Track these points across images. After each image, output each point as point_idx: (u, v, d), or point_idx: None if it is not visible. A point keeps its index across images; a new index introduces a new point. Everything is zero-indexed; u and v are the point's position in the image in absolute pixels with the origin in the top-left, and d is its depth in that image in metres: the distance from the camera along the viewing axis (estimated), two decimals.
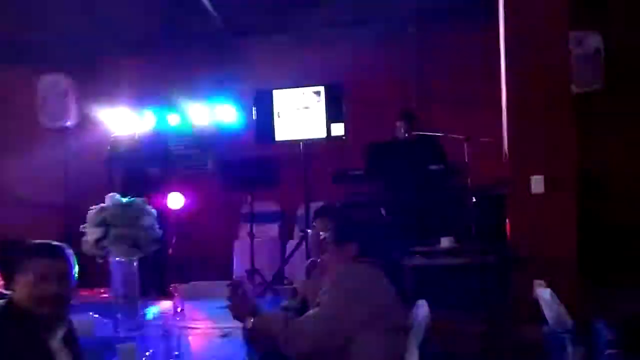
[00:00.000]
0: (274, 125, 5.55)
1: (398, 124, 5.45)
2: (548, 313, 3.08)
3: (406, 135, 5.39)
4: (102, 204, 3.02)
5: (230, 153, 6.45)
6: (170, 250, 6.16)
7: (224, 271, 6.83)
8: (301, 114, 5.54)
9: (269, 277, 5.76)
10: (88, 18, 6.72)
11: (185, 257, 6.63)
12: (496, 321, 3.96)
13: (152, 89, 6.97)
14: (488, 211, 4.90)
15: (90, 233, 2.92)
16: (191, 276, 6.30)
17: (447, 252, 4.21)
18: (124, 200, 2.99)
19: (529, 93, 4.23)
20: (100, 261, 2.95)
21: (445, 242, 4.29)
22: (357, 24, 6.49)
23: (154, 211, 3.03)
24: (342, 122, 5.44)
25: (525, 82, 4.26)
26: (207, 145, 6.91)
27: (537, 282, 4.08)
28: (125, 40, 7.08)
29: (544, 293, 3.19)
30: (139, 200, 3.00)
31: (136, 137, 6.05)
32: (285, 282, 5.77)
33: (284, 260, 5.82)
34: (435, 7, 6.28)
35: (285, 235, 6.80)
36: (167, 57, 7.14)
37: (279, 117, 5.56)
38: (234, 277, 6.53)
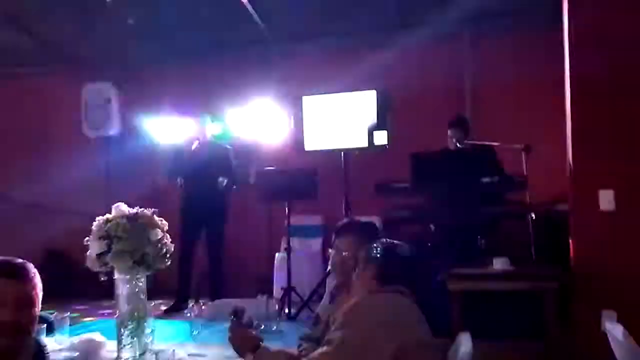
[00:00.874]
0: (310, 133, 5.19)
1: (449, 132, 5.00)
2: (619, 353, 2.57)
3: (458, 144, 4.93)
4: (108, 215, 2.73)
5: (272, 163, 6.14)
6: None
7: (265, 287, 6.56)
8: (342, 121, 5.16)
9: (308, 293, 5.43)
10: (132, 26, 6.62)
11: (228, 271, 6.38)
12: (555, 357, 3.45)
13: (196, 98, 6.80)
14: (549, 230, 4.38)
15: (93, 247, 2.62)
16: (233, 291, 6.06)
17: (501, 275, 3.71)
18: (130, 210, 2.68)
19: (599, 99, 3.71)
20: (103, 279, 2.65)
21: (498, 263, 3.79)
22: (406, 26, 6.07)
23: (165, 223, 2.70)
24: (385, 129, 5.02)
25: (594, 86, 3.73)
26: (249, 155, 6.63)
27: (605, 312, 3.57)
28: (169, 48, 6.95)
29: (615, 330, 2.67)
30: (147, 211, 2.67)
31: (194, 145, 5.83)
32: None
33: (324, 277, 5.43)
34: (491, 7, 5.80)
35: (327, 250, 6.42)
36: (211, 65, 6.97)
37: (316, 124, 5.20)
38: (274, 294, 6.25)
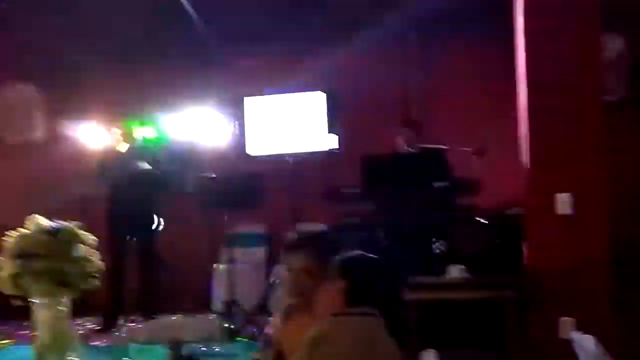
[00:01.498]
0: (254, 137, 4.89)
1: (399, 135, 4.83)
2: None
3: (408, 148, 4.76)
4: (21, 229, 2.36)
5: (214, 169, 5.79)
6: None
7: (203, 300, 6.20)
8: (288, 124, 4.89)
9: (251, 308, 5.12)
10: (60, 23, 6.14)
11: (162, 284, 5.98)
12: None
13: (129, 100, 6.36)
14: (502, 235, 4.24)
15: (5, 267, 2.25)
16: (168, 306, 5.67)
17: (457, 284, 3.54)
18: (50, 224, 2.32)
19: (554, 100, 3.62)
20: (18, 304, 2.28)
21: (454, 271, 3.63)
22: (353, 28, 5.88)
23: (92, 238, 2.36)
24: (335, 133, 4.79)
25: (550, 88, 3.64)
26: (187, 160, 6.25)
27: (563, 319, 3.46)
28: (103, 48, 6.49)
29: (584, 340, 2.53)
30: (70, 224, 2.32)
31: (124, 151, 5.40)
32: (269, 315, 5.08)
33: (268, 289, 5.14)
34: (438, 9, 5.69)
35: (271, 260, 6.13)
36: (145, 66, 6.56)
37: (260, 127, 4.91)
38: (211, 306, 5.88)
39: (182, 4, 5.88)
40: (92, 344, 3.60)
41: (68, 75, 6.64)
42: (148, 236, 5.33)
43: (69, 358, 2.42)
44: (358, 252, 1.98)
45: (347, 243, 4.48)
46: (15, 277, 2.31)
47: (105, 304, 5.27)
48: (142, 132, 5.69)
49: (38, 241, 2.34)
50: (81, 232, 2.46)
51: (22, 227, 2.46)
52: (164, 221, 5.95)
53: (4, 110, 6.39)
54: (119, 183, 5.26)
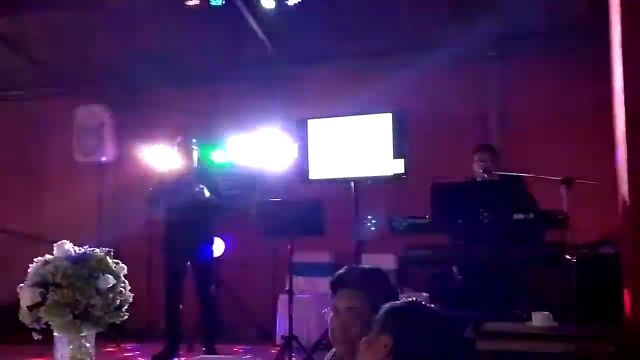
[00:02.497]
0: (316, 160, 4.58)
1: (476, 157, 4.39)
2: None
3: (485, 175, 4.31)
4: (48, 255, 2.14)
5: (275, 194, 5.55)
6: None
7: (267, 333, 5.94)
8: (352, 148, 4.56)
9: (313, 341, 4.79)
10: (128, 47, 6.20)
11: (226, 314, 5.77)
12: None
13: (196, 122, 6.28)
14: (595, 277, 3.69)
15: (24, 296, 2.03)
16: (231, 338, 5.45)
17: (542, 335, 3.04)
18: (75, 251, 2.09)
19: None
20: (38, 338, 2.06)
21: (538, 319, 3.13)
22: (424, 47, 5.52)
23: (121, 266, 2.11)
24: (402, 157, 4.40)
25: None
26: (252, 184, 6.06)
27: None
28: (170, 70, 6.49)
29: None
30: (98, 251, 2.08)
31: (180, 173, 5.19)
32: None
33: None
34: (520, 25, 5.24)
35: None
36: (213, 89, 6.49)
37: (323, 151, 4.60)
38: (276, 340, 5.62)
39: (249, 24, 5.76)
40: None
41: (137, 97, 6.69)
42: (206, 263, 5.11)
43: None
44: (413, 300, 1.61)
45: (414, 279, 4.09)
46: (34, 308, 2.08)
47: (166, 333, 5.13)
48: (204, 155, 5.54)
49: (60, 269, 2.10)
50: (110, 260, 2.22)
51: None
52: (227, 248, 5.77)
53: (76, 131, 6.49)
54: (174, 208, 5.06)
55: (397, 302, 1.61)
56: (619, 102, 3.30)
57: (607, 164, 3.77)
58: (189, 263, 5.07)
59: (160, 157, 6.21)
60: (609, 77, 3.45)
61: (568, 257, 3.82)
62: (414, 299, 1.65)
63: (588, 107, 4.45)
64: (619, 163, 3.34)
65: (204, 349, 5.01)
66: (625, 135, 3.19)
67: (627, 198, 3.17)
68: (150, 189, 5.28)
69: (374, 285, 2.00)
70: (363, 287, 1.96)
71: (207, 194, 4.91)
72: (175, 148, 5.29)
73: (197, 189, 4.87)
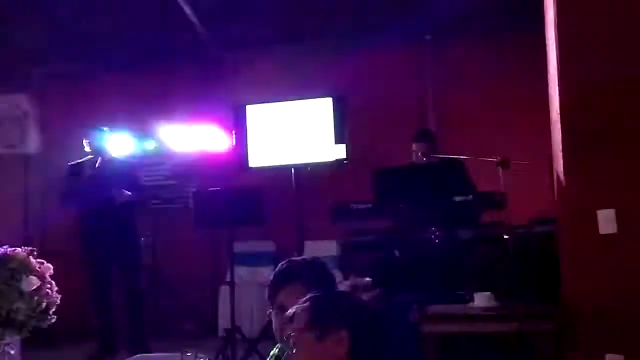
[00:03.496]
0: (255, 148, 4.46)
1: (414, 146, 4.41)
2: None
3: (424, 159, 4.33)
4: None
5: (212, 183, 5.40)
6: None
7: (209, 325, 5.81)
8: (292, 134, 4.47)
9: (256, 333, 4.68)
10: (52, 30, 5.85)
11: (164, 309, 5.60)
12: None
13: (126, 110, 6.02)
14: (532, 256, 3.78)
15: None
16: (172, 332, 5.28)
17: (484, 315, 3.08)
18: None
19: (594, 104, 3.15)
20: None
21: (481, 299, 3.16)
22: (363, 30, 5.48)
23: (47, 266, 1.95)
24: (343, 143, 4.35)
25: (587, 90, 3.18)
26: (187, 174, 5.87)
27: (610, 357, 2.96)
28: (95, 54, 6.18)
29: None
30: (20, 251, 1.92)
31: (97, 163, 4.92)
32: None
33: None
34: (455, 9, 5.27)
35: None
36: (144, 75, 6.23)
37: (262, 137, 4.49)
38: (219, 333, 5.51)
39: (182, 9, 5.55)
40: None
41: (64, 84, 6.35)
42: (131, 258, 4.93)
43: None
44: (357, 298, 1.54)
45: (359, 264, 4.06)
46: None
47: (100, 335, 4.95)
48: (144, 144, 5.32)
49: None
50: (34, 260, 2.05)
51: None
52: (163, 240, 5.60)
53: None
54: (89, 212, 4.85)
55: (330, 291, 1.53)
56: (554, 82, 3.36)
57: (542, 144, 3.86)
58: (113, 262, 4.90)
59: (89, 147, 5.94)
60: (544, 58, 3.51)
61: (506, 237, 3.90)
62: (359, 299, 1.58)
63: (523, 88, 4.52)
64: (554, 142, 3.40)
65: (136, 346, 4.82)
66: (560, 115, 3.26)
67: (562, 176, 3.25)
68: (63, 186, 5.02)
69: (318, 276, 1.94)
70: (309, 280, 1.89)
71: (125, 195, 4.73)
72: (85, 141, 5.01)
73: (114, 191, 4.69)
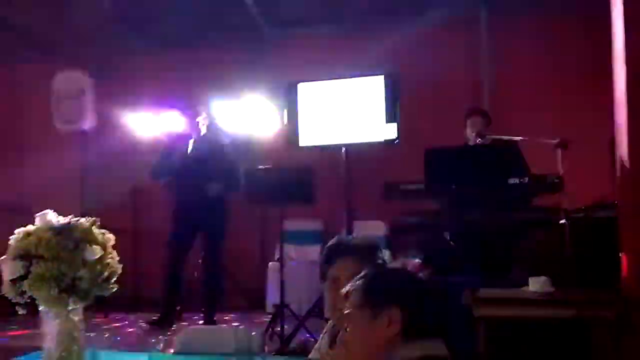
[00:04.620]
0: (306, 126, 4.44)
1: (468, 122, 4.31)
2: None
3: (478, 140, 4.23)
4: (30, 226, 2.03)
5: (263, 161, 5.43)
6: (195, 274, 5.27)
7: (258, 301, 5.90)
8: (341, 113, 4.42)
9: (305, 309, 4.73)
10: (110, 10, 5.95)
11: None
12: None
13: (179, 88, 6.10)
14: (591, 242, 3.65)
15: (8, 269, 1.91)
16: (221, 305, 5.38)
17: (540, 300, 3.00)
18: (58, 221, 1.98)
19: None
20: (22, 312, 1.95)
21: (536, 284, 3.08)
22: (415, 8, 5.35)
23: (108, 237, 2.00)
24: (394, 122, 4.28)
25: None
26: (239, 151, 5.92)
27: None
28: (151, 35, 6.27)
29: None
30: (84, 221, 1.98)
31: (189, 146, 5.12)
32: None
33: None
34: None
35: None
36: (197, 54, 6.29)
37: (313, 116, 4.45)
38: (267, 308, 5.59)
39: None
40: (119, 351, 3.30)
41: (118, 62, 6.47)
42: (216, 237, 5.05)
43: None
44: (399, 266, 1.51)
45: (406, 246, 4.02)
46: (17, 282, 1.97)
47: (163, 302, 5.08)
48: (208, 122, 5.40)
49: (43, 241, 1.99)
50: (96, 230, 2.10)
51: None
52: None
53: (56, 98, 6.26)
54: (183, 184, 5.01)
55: (384, 269, 1.50)
56: (620, 61, 3.20)
57: (603, 126, 3.70)
58: (198, 235, 5.04)
59: (144, 124, 6.06)
60: (608, 34, 3.35)
61: (563, 221, 3.78)
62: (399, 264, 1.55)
63: (584, 66, 4.34)
64: (618, 124, 3.26)
65: (203, 316, 4.97)
66: (626, 96, 3.12)
67: (626, 160, 3.11)
68: (156, 160, 5.21)
69: (372, 253, 1.93)
70: (362, 255, 1.89)
71: (216, 189, 4.88)
72: (182, 117, 5.16)
73: (209, 186, 4.84)
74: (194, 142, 5.13)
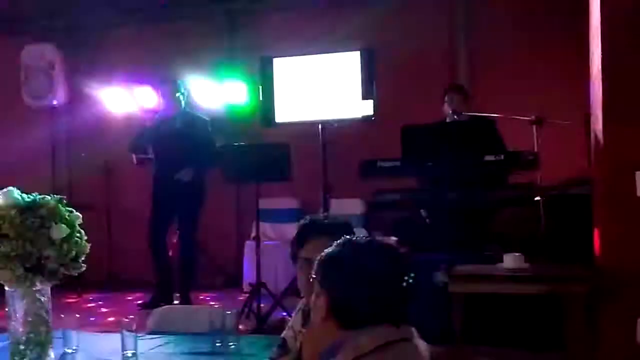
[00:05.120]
0: (282, 102, 4.36)
1: (446, 98, 4.30)
2: None
3: (455, 116, 4.22)
4: None
5: (239, 139, 5.35)
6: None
7: (234, 280, 5.87)
8: (317, 89, 4.36)
9: (281, 288, 4.71)
10: None
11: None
12: None
13: (151, 63, 5.96)
14: (565, 218, 3.69)
15: None
16: (197, 284, 5.34)
17: (515, 276, 3.02)
18: (23, 199, 1.91)
19: (637, 60, 3.00)
20: None
21: (510, 260, 3.10)
22: None
23: (76, 215, 1.94)
24: (371, 98, 4.24)
25: (631, 46, 3.02)
26: (213, 128, 5.82)
27: None
28: (121, 6, 6.09)
29: None
30: (50, 199, 1.91)
31: (165, 120, 5.03)
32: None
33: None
34: None
35: None
36: (168, 27, 6.14)
37: (289, 92, 4.38)
38: (243, 287, 5.56)
39: None
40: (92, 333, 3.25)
41: (88, 36, 6.29)
42: (191, 211, 4.97)
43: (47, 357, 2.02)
44: (350, 240, 1.42)
45: (383, 223, 4.01)
46: None
47: (156, 281, 5.05)
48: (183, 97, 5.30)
49: (7, 219, 1.92)
50: (63, 208, 2.03)
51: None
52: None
53: (24, 72, 6.09)
54: (159, 159, 4.95)
55: (332, 248, 1.42)
56: (596, 37, 3.20)
57: (578, 102, 3.72)
58: (175, 214, 4.97)
59: (115, 98, 5.93)
60: (585, 9, 3.34)
61: (537, 198, 3.81)
62: (353, 238, 1.45)
63: (561, 42, 4.33)
64: (593, 101, 3.27)
65: (179, 296, 4.93)
66: (601, 72, 3.12)
67: (601, 136, 3.13)
68: (134, 136, 5.11)
69: (345, 234, 1.90)
70: (335, 236, 1.84)
71: (190, 174, 4.81)
72: (160, 91, 5.05)
73: (180, 175, 4.78)
74: (173, 118, 5.00)
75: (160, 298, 4.83)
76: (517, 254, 3.10)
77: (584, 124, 3.62)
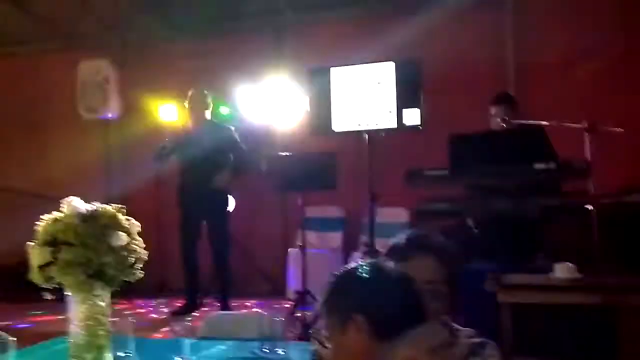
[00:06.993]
0: (330, 113, 4.39)
1: (493, 110, 4.24)
2: None
3: (504, 125, 4.16)
4: (57, 213, 2.05)
5: (284, 148, 5.42)
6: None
7: (279, 287, 5.94)
8: (366, 98, 4.38)
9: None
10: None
11: (237, 268, 5.75)
12: None
13: (203, 76, 6.11)
14: (619, 227, 3.59)
15: (35, 255, 1.94)
16: (242, 291, 5.44)
17: (566, 286, 2.96)
18: (85, 208, 1.99)
19: None
20: (49, 298, 1.98)
21: (561, 270, 3.04)
22: None
23: (135, 224, 2.01)
24: (417, 107, 4.23)
25: None
26: (261, 138, 5.92)
27: None
28: (173, 22, 6.29)
29: None
30: (109, 208, 1.99)
31: (191, 130, 5.16)
32: None
33: None
34: None
35: (348, 245, 5.75)
36: (219, 40, 6.29)
37: (338, 102, 4.42)
38: (287, 294, 5.62)
39: None
40: (145, 337, 3.34)
41: (141, 50, 6.50)
42: (219, 219, 5.04)
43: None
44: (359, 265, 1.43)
45: (432, 231, 3.99)
46: (44, 268, 2.00)
47: (185, 289, 5.14)
48: (212, 107, 5.41)
49: (70, 227, 2.01)
50: (122, 217, 2.11)
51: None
52: (237, 203, 5.70)
53: (80, 86, 6.34)
54: (185, 168, 5.04)
55: (342, 275, 1.44)
56: None
57: (634, 109, 3.63)
58: (204, 222, 5.03)
59: (167, 112, 6.10)
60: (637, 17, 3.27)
61: (589, 207, 3.71)
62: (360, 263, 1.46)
63: (612, 49, 4.22)
64: None
65: (219, 305, 5.01)
66: None
67: None
68: (160, 146, 5.19)
69: (452, 256, 1.68)
70: (442, 258, 1.65)
71: (223, 180, 4.90)
72: (186, 103, 5.15)
73: (216, 178, 4.87)
74: (198, 129, 5.08)
75: (191, 306, 4.93)
76: (568, 263, 3.03)
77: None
